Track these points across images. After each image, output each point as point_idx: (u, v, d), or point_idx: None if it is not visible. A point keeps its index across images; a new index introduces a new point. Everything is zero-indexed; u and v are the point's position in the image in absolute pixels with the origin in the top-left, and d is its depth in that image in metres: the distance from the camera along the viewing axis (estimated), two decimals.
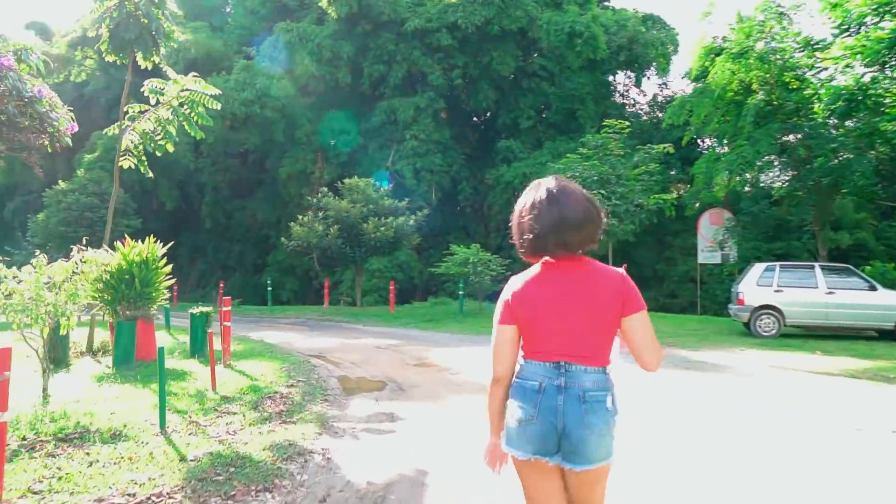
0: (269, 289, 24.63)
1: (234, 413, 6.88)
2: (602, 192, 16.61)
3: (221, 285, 25.68)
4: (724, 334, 14.14)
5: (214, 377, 8.23)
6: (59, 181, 27.11)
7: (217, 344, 10.48)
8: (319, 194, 21.03)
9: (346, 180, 21.33)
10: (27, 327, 7.37)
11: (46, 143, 7.75)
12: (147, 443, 5.73)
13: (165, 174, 32.42)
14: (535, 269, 2.46)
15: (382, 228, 19.39)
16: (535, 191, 2.41)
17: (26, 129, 7.42)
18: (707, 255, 19.31)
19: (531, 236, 2.36)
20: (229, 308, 10.40)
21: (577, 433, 2.27)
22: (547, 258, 2.42)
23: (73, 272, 7.83)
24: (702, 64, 15.72)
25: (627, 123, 18.22)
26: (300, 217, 20.96)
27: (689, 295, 27.35)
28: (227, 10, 37.06)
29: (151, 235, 11.91)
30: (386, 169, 28.87)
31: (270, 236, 31.78)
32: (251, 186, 34.66)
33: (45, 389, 7.87)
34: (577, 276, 2.36)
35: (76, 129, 8.12)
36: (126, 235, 12.96)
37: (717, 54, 14.97)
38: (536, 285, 2.39)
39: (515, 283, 2.46)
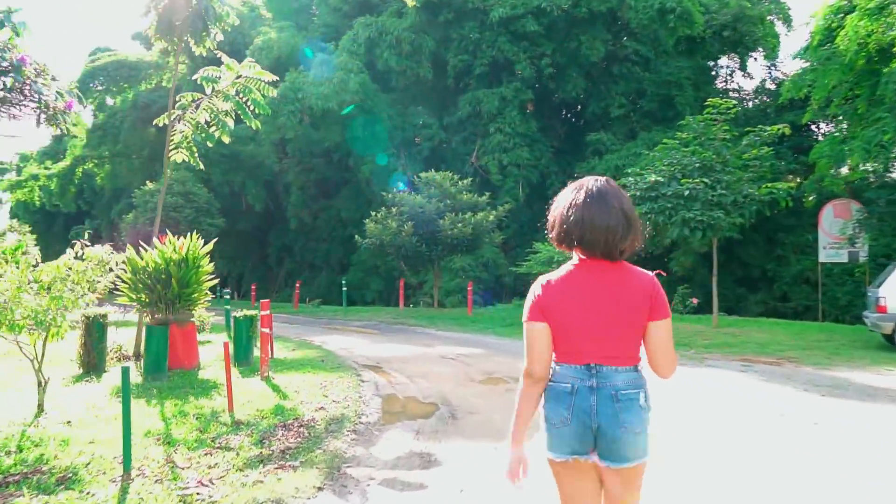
0: (344, 289, 23.44)
1: (230, 449, 5.36)
2: (705, 180, 14.29)
3: (298, 285, 24.77)
4: (859, 347, 11.59)
5: (231, 397, 6.79)
6: (147, 182, 27.04)
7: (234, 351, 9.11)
8: (395, 189, 19.59)
9: (423, 174, 19.81)
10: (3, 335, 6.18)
11: (35, 118, 6.49)
12: (93, 494, 4.29)
13: (252, 175, 32.16)
14: (567, 267, 2.41)
15: (460, 225, 17.71)
16: (577, 190, 2.40)
17: (6, 101, 6.18)
18: (830, 252, 16.49)
19: (561, 230, 2.38)
20: (268, 312, 9.00)
21: (611, 432, 2.26)
22: (580, 257, 2.39)
23: (69, 271, 6.57)
24: (827, 26, 13.09)
25: (734, 102, 15.73)
26: (374, 213, 19.61)
27: (803, 298, 24.22)
28: (313, 10, 36.41)
29: (195, 239, 10.77)
30: (470, 165, 27.24)
31: (354, 235, 30.80)
32: (337, 185, 33.87)
33: (39, 405, 6.67)
34: (608, 278, 2.33)
35: (73, 106, 6.85)
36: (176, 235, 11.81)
37: (848, 12, 12.35)
38: (567, 285, 2.36)
39: (546, 280, 2.41)
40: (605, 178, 2.46)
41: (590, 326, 2.29)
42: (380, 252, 21.00)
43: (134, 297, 9.86)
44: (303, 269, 35.05)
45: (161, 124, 12.34)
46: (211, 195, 27.73)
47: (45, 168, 44.59)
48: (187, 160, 12.26)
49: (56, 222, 50.07)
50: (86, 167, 39.10)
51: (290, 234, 34.69)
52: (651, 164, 16.12)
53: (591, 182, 2.40)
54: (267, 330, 8.86)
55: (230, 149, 30.24)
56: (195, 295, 10.12)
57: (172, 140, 12.11)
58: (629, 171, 16.13)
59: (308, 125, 28.54)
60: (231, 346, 10.64)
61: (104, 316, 9.68)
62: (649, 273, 2.40)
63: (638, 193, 15.10)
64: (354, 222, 31.28)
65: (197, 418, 6.49)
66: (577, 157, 27.68)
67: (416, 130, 28.46)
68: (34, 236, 43.05)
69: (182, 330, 9.81)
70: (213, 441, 5.59)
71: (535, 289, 2.40)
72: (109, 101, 38.95)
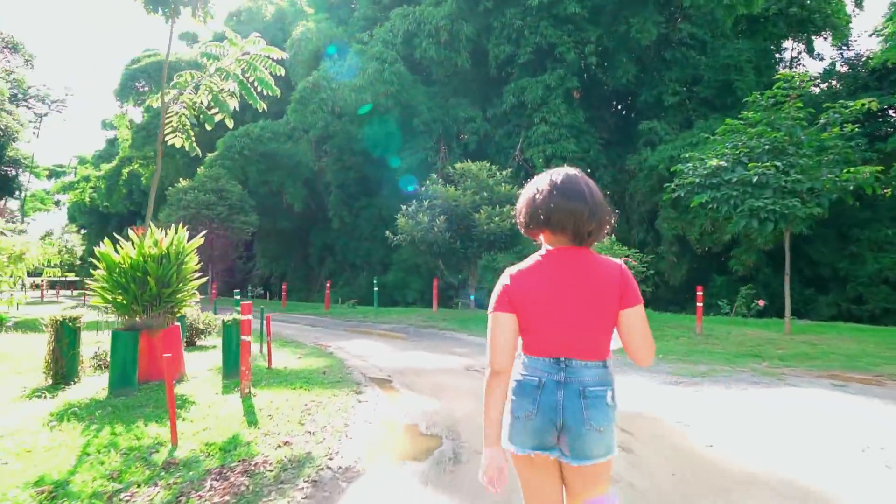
0: (376, 289, 21.87)
1: None
2: (776, 164, 12.21)
3: (328, 285, 23.34)
4: None
5: (174, 428, 5.22)
6: (181, 179, 26.08)
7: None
8: (428, 181, 17.89)
9: (458, 165, 18.07)
10: None
11: None
12: None
13: (291, 174, 31.01)
14: (535, 258, 2.35)
15: (497, 218, 15.91)
16: (546, 176, 2.38)
17: None
18: None
19: (529, 213, 2.35)
20: (249, 317, 7.42)
21: (576, 429, 2.21)
22: (547, 248, 2.35)
23: None
24: None
25: (811, 75, 13.53)
26: (404, 207, 17.98)
27: (881, 300, 21.65)
28: (353, 4, 35.14)
29: (180, 231, 9.34)
30: (514, 158, 25.40)
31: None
32: (378, 183, 32.49)
33: None
34: (576, 268, 2.28)
35: None
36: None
37: None
38: (535, 275, 2.30)
39: (514, 271, 2.35)
40: (576, 169, 2.41)
41: (561, 318, 2.23)
42: (415, 250, 19.39)
43: (109, 297, 8.45)
44: (344, 269, 33.79)
45: (155, 105, 10.99)
46: (245, 192, 26.57)
47: (97, 169, 44.68)
48: (185, 146, 10.87)
49: (110, 223, 50.21)
50: (132, 168, 38.74)
51: (332, 233, 33.46)
52: (712, 148, 14.08)
53: (559, 169, 2.39)
54: (248, 338, 7.28)
55: (267, 147, 29.24)
56: (179, 295, 8.66)
57: (169, 123, 10.73)
58: (686, 155, 14.10)
59: (346, 121, 27.23)
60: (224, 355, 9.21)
61: (75, 319, 8.33)
62: (617, 260, 2.32)
63: (697, 181, 13.11)
64: (393, 220, 29.83)
65: (125, 455, 4.95)
66: (628, 148, 25.59)
67: (459, 124, 26.76)
68: (81, 237, 42.99)
69: (161, 335, 8.34)
70: (110, 498, 4.01)
71: (504, 279, 2.34)
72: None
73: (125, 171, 38.55)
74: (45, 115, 39.32)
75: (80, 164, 52.77)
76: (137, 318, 8.29)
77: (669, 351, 10.93)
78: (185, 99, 10.37)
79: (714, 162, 12.94)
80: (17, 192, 40.02)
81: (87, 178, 43.17)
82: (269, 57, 10.92)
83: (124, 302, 8.32)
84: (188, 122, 10.53)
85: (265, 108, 11.26)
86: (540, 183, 2.34)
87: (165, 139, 10.55)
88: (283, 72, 11.09)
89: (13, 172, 36.93)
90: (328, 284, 23.36)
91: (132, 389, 7.52)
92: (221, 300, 26.55)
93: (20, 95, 36.55)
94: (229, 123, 11.13)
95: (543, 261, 2.29)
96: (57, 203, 48.08)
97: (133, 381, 7.60)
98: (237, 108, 11.19)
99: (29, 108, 37.52)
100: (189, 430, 5.70)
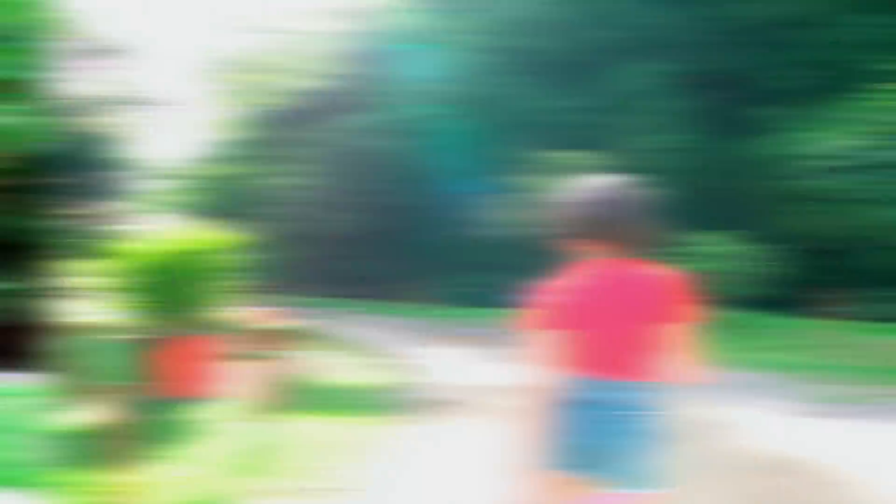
0: (476, 288, 20.61)
1: None
2: None
3: (425, 285, 22.10)
4: None
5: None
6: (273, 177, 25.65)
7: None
8: (516, 174, 16.29)
9: (549, 156, 16.40)
10: None
11: None
12: None
13: (385, 171, 30.21)
14: (581, 270, 2.08)
15: None
16: (585, 183, 2.14)
17: None
18: None
19: (570, 221, 2.09)
20: (277, 326, 5.97)
21: (618, 452, 1.95)
22: (592, 258, 2.09)
23: None
24: None
25: None
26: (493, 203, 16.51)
27: None
28: None
29: (216, 224, 8.08)
30: (612, 151, 23.39)
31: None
32: (474, 179, 31.22)
33: None
34: (623, 281, 2.04)
35: None
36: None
37: None
38: (579, 287, 2.06)
39: (556, 282, 2.08)
40: (617, 176, 2.16)
41: (604, 334, 2.01)
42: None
43: (133, 301, 7.26)
44: (449, 268, 32.66)
45: (209, 88, 9.87)
46: (337, 189, 26.03)
47: (208, 170, 45.76)
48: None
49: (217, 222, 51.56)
50: (237, 168, 39.21)
51: (434, 231, 32.47)
52: (847, 128, 11.62)
53: (600, 177, 2.14)
54: (269, 353, 5.83)
55: (360, 142, 28.50)
56: (210, 299, 7.35)
57: (233, 102, 9.58)
58: (813, 135, 11.74)
59: (440, 115, 26.19)
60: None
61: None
62: (670, 271, 2.09)
63: (829, 164, 10.79)
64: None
65: None
66: (738, 139, 22.96)
67: (553, 115, 25.10)
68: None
69: (190, 344, 7.05)
70: None
71: (547, 291, 2.07)
72: None
73: (230, 170, 39.09)
74: (156, 116, 40.21)
75: (193, 164, 54.23)
76: (161, 325, 7.05)
77: (801, 365, 8.79)
78: (235, 79, 9.17)
79: (851, 142, 10.53)
80: (127, 195, 41.16)
81: (196, 178, 44.14)
82: (325, 35, 9.58)
83: (147, 305, 7.11)
84: (242, 108, 9.35)
85: (316, 88, 9.96)
86: (578, 190, 2.10)
87: (217, 131, 9.40)
88: (341, 49, 9.74)
89: (120, 174, 37.84)
90: (425, 284, 22.30)
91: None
92: (321, 301, 25.79)
93: (129, 98, 37.52)
94: (277, 106, 9.89)
95: (587, 272, 2.01)
96: (170, 204, 49.52)
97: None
98: (300, 93, 9.95)
99: (139, 110, 38.50)
100: (164, 477, 4.28)
